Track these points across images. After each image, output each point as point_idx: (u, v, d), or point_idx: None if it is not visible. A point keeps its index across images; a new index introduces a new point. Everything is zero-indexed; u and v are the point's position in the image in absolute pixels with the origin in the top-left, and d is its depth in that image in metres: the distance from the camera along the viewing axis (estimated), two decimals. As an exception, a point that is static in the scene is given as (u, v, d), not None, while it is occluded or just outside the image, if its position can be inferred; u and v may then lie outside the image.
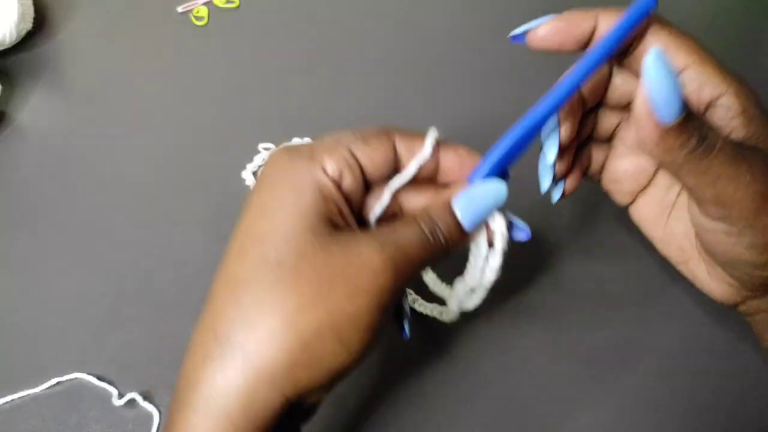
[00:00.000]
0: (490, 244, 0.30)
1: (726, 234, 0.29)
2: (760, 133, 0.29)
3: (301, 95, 0.56)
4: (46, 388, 0.42)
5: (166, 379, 0.41)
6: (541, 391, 0.41)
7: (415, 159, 0.29)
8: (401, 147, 0.29)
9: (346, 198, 0.28)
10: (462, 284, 0.32)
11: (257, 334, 0.25)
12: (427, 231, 0.27)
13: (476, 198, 0.28)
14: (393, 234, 0.27)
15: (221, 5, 0.63)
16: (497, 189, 0.29)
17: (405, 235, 0.27)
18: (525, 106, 0.29)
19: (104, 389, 0.42)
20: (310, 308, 0.25)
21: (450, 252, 0.28)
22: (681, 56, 0.29)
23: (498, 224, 0.29)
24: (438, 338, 0.43)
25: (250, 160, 0.51)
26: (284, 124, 0.54)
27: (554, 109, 0.29)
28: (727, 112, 0.29)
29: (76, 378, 0.42)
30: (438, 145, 0.30)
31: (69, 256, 0.48)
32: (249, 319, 0.25)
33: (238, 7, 0.63)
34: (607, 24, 0.29)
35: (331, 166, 0.27)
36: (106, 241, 0.48)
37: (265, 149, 0.52)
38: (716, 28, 0.60)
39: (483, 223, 0.29)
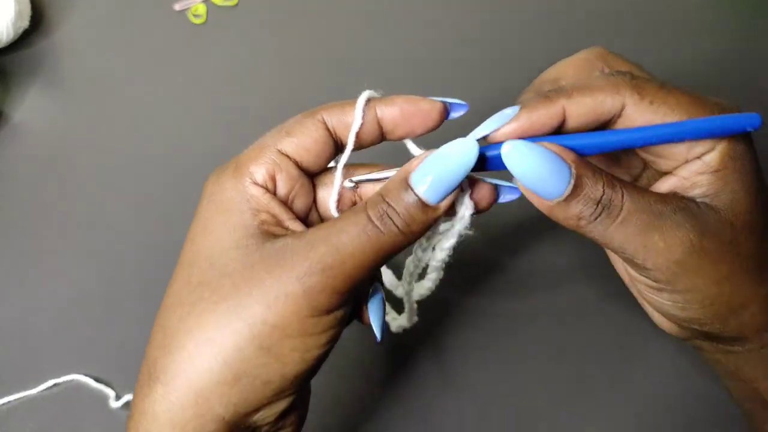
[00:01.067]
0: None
1: (647, 285, 0.28)
2: (722, 191, 0.26)
3: (300, 95, 0.55)
4: (43, 390, 0.42)
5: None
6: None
7: (352, 129, 0.27)
8: (333, 122, 0.27)
9: (287, 201, 0.27)
10: (409, 269, 0.30)
11: (176, 358, 0.24)
12: (375, 218, 0.24)
13: (437, 164, 0.24)
14: (327, 230, 0.24)
15: (219, 3, 0.62)
16: (465, 148, 0.24)
17: (342, 230, 0.24)
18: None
19: (101, 391, 0.41)
20: (227, 323, 0.24)
21: (415, 236, 0.25)
22: (676, 117, 0.26)
23: (464, 202, 0.26)
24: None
25: (249, 159, 0.51)
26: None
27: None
28: (701, 167, 0.27)
29: (73, 379, 0.42)
30: (373, 105, 0.27)
31: (66, 255, 0.47)
32: (168, 344, 0.24)
33: (236, 5, 0.62)
34: (579, 115, 0.26)
35: (260, 174, 0.26)
36: (104, 242, 0.48)
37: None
38: (715, 28, 0.59)
39: (456, 192, 0.25)
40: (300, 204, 0.28)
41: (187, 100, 0.55)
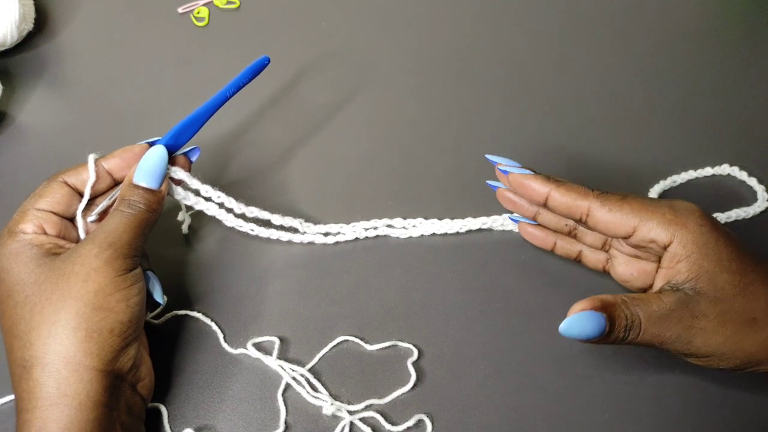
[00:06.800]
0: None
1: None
2: (701, 273, 0.34)
3: (301, 96, 0.56)
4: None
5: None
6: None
7: (87, 184, 0.36)
8: (72, 180, 0.36)
9: (60, 235, 0.36)
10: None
11: (37, 344, 0.31)
12: (125, 207, 0.35)
13: (143, 164, 0.36)
14: (100, 226, 0.35)
15: (222, 6, 0.63)
16: (155, 151, 0.37)
17: (109, 221, 0.35)
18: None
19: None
20: (63, 305, 0.32)
21: (156, 210, 0.36)
22: (629, 220, 0.35)
23: (175, 173, 0.38)
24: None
25: (250, 161, 0.51)
26: (285, 127, 0.54)
27: (210, 110, 0.41)
28: (672, 257, 0.34)
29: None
30: (100, 162, 0.37)
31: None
32: (27, 341, 0.32)
33: (238, 7, 0.63)
34: (557, 204, 0.38)
35: (29, 229, 0.35)
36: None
37: (265, 150, 0.52)
38: (716, 28, 0.60)
39: (166, 176, 0.37)
40: (72, 237, 0.37)
41: (190, 103, 0.55)
